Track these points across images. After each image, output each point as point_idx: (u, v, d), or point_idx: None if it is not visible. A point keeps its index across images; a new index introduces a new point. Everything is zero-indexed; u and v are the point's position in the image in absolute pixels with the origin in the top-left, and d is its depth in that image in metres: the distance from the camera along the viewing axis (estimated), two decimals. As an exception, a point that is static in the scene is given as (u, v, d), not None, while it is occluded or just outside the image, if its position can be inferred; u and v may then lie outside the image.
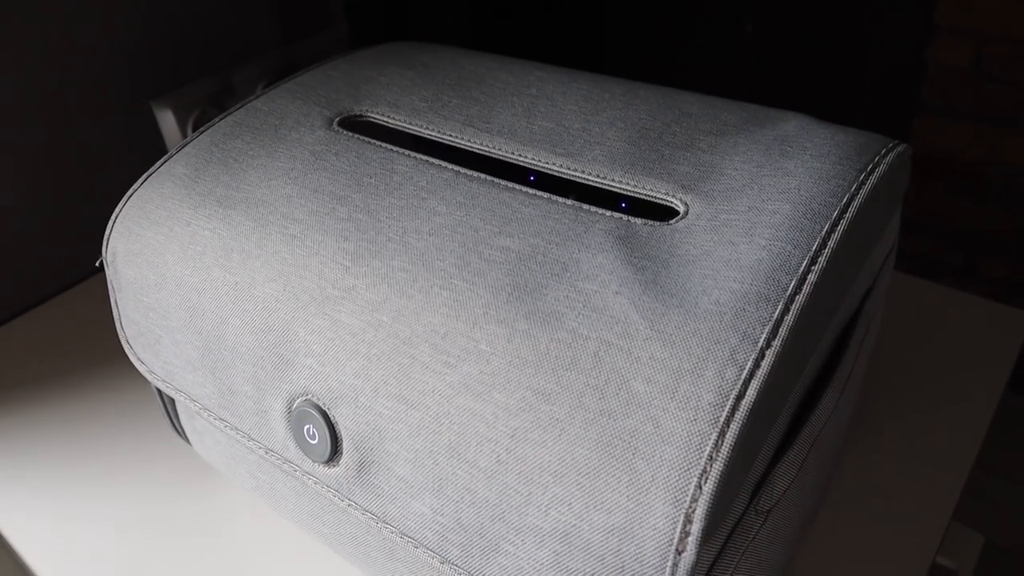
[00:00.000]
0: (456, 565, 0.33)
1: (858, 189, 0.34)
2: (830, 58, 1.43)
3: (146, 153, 0.77)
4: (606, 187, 0.37)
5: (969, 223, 1.45)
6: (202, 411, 0.42)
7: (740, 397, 0.27)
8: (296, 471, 0.38)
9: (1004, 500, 1.37)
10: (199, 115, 0.77)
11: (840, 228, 0.32)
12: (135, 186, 0.44)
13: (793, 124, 0.40)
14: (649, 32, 1.59)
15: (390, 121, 0.44)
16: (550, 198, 0.36)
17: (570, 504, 0.28)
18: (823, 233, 0.32)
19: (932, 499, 0.48)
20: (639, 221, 0.34)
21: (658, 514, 0.26)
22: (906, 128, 1.42)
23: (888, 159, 0.37)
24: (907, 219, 1.51)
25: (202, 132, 0.46)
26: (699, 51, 1.56)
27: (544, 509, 0.29)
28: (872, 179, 0.35)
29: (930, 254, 1.52)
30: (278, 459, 0.39)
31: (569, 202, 0.36)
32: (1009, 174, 1.37)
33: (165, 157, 0.45)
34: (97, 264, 0.45)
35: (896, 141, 0.39)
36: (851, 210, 0.33)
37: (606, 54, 1.67)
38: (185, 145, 0.45)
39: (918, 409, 0.54)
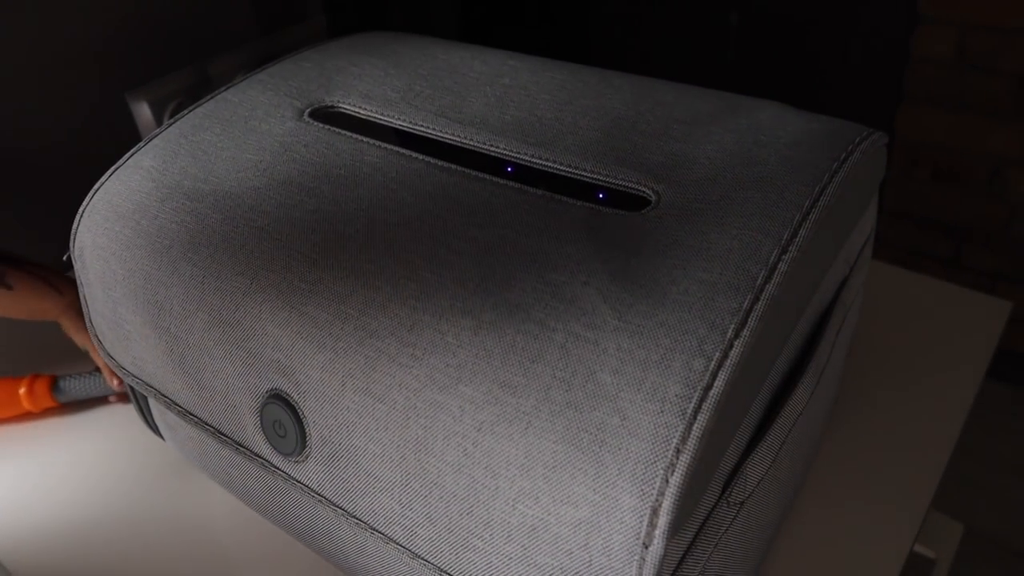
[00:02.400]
0: (426, 560, 0.33)
1: (831, 178, 0.34)
2: (814, 47, 1.43)
3: (121, 146, 0.76)
4: (578, 176, 0.36)
5: (953, 212, 1.45)
6: (173, 406, 0.41)
7: (708, 388, 0.26)
8: (267, 466, 0.38)
9: (985, 487, 1.37)
10: (175, 107, 0.76)
11: (812, 217, 0.32)
12: (102, 179, 0.43)
13: (767, 113, 0.40)
14: (634, 22, 1.59)
15: (362, 112, 0.44)
16: (520, 188, 0.36)
17: (537, 498, 0.28)
18: (795, 222, 0.32)
19: (910, 488, 0.47)
20: (609, 211, 0.34)
21: (625, 507, 0.26)
22: (890, 117, 1.42)
23: (863, 147, 0.37)
24: (891, 208, 1.51)
25: (171, 124, 0.45)
26: (684, 41, 1.56)
27: (511, 503, 0.28)
28: (846, 168, 0.35)
29: (914, 243, 1.52)
30: (249, 454, 0.38)
31: (539, 192, 0.35)
32: (993, 164, 1.37)
33: (133, 150, 0.44)
34: (65, 259, 0.45)
35: (871, 130, 0.39)
36: (824, 199, 0.33)
37: (590, 44, 1.66)
38: (153, 137, 0.44)
39: (896, 398, 0.53)
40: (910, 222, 1.51)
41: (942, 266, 1.52)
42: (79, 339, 0.56)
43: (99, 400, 0.59)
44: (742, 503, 0.33)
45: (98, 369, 0.57)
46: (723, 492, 0.32)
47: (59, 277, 0.55)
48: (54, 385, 0.57)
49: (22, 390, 0.57)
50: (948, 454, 0.49)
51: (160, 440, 0.56)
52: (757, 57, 1.49)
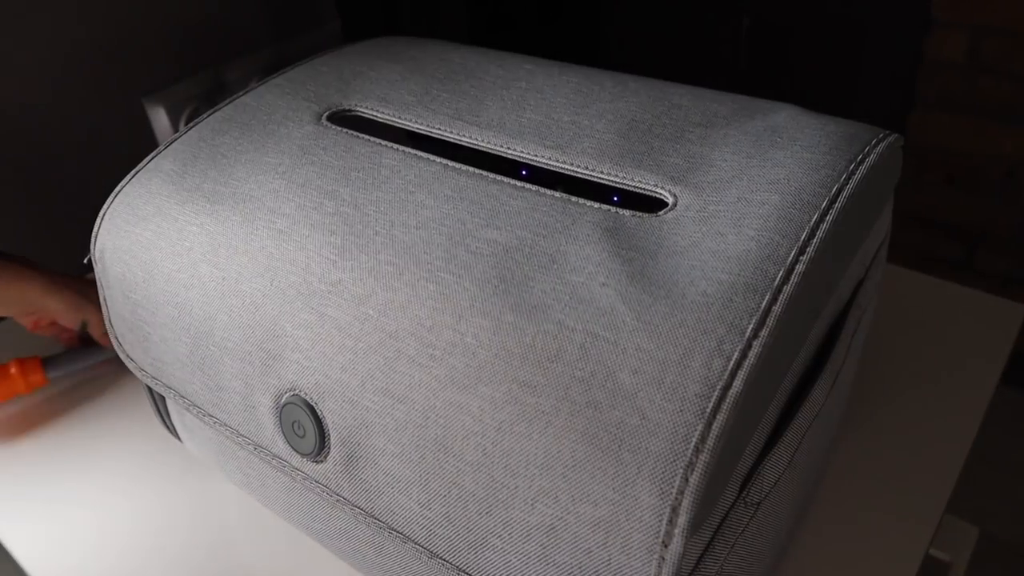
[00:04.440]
0: (444, 560, 0.33)
1: (848, 179, 0.34)
2: (827, 51, 1.43)
3: (139, 150, 0.77)
4: (595, 179, 0.37)
5: (966, 216, 1.45)
6: (191, 407, 0.42)
7: (727, 388, 0.27)
8: (285, 466, 0.38)
9: (999, 492, 1.37)
10: (192, 112, 0.77)
11: (829, 218, 0.32)
12: (123, 183, 0.44)
13: (783, 115, 0.40)
14: (646, 26, 1.59)
15: (379, 115, 0.44)
16: (538, 191, 0.36)
17: (556, 497, 0.28)
18: (812, 223, 0.32)
19: (926, 491, 0.47)
20: (627, 213, 0.34)
21: (644, 506, 0.26)
22: (902, 121, 1.42)
23: (879, 149, 0.37)
24: (903, 212, 1.51)
25: (190, 128, 0.45)
26: (696, 44, 1.56)
27: (531, 502, 0.29)
28: (862, 169, 0.35)
29: (926, 247, 1.52)
30: (267, 455, 0.39)
31: (557, 194, 0.35)
32: (1006, 167, 1.36)
33: (153, 153, 0.44)
34: (85, 261, 0.45)
35: (887, 132, 0.39)
36: (840, 200, 0.33)
37: (601, 49, 1.67)
38: (173, 141, 0.45)
39: (912, 401, 0.53)
40: (922, 226, 1.50)
41: (954, 270, 1.51)
42: (69, 319, 0.57)
43: (113, 402, 0.60)
44: (759, 504, 0.33)
45: (84, 343, 0.62)
46: (740, 493, 0.32)
47: (31, 268, 0.56)
48: (44, 362, 0.60)
49: (13, 370, 0.58)
50: (963, 457, 0.49)
51: (178, 442, 0.56)
52: (769, 62, 1.49)
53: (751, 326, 0.28)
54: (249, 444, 0.39)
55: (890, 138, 0.38)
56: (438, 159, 0.39)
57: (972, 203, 1.43)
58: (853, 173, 0.35)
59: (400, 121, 0.43)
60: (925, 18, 1.31)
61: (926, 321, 0.60)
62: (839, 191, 0.33)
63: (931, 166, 1.43)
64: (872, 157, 0.36)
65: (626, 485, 0.27)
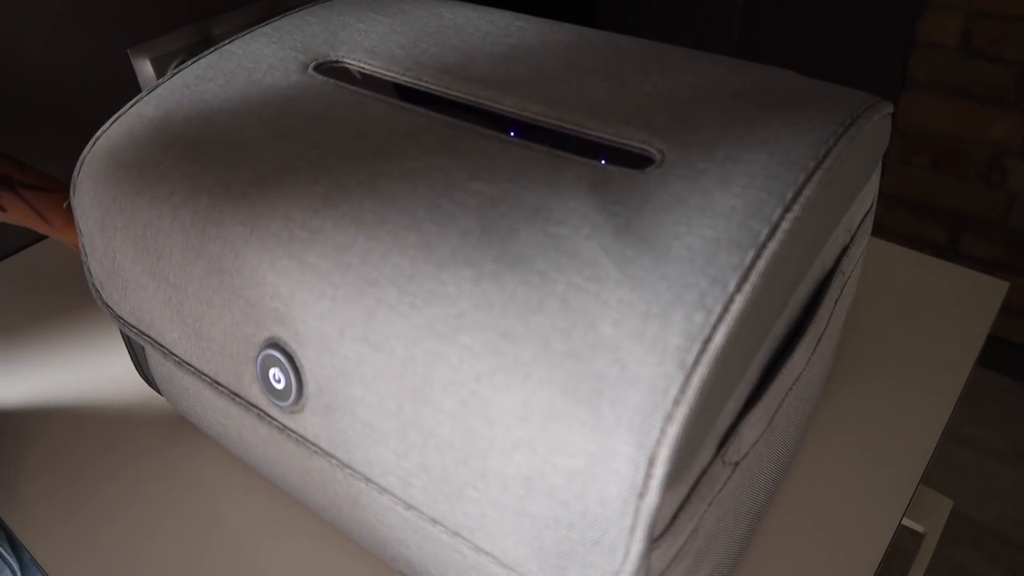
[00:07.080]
0: (420, 511, 0.33)
1: (837, 141, 0.34)
2: (818, 32, 1.42)
3: (123, 102, 0.76)
4: (582, 135, 0.36)
5: (952, 200, 1.45)
6: (170, 356, 0.41)
7: (708, 341, 0.26)
8: (263, 416, 0.38)
9: (974, 475, 1.38)
10: (178, 65, 0.76)
11: (816, 178, 0.32)
12: (103, 128, 0.43)
13: (774, 78, 0.40)
14: (638, 2, 1.58)
15: (366, 67, 0.43)
16: (524, 144, 0.35)
17: (534, 448, 0.28)
18: (799, 183, 0.31)
19: (902, 462, 0.48)
20: (614, 168, 0.34)
21: (622, 457, 0.26)
22: (892, 103, 1.42)
23: (868, 114, 0.37)
24: (890, 194, 1.51)
25: (173, 75, 0.45)
26: (688, 21, 1.55)
27: (508, 453, 0.28)
28: (851, 132, 0.35)
29: (911, 230, 1.52)
30: (244, 404, 0.38)
31: (543, 148, 0.35)
32: (993, 152, 1.37)
33: (135, 99, 0.44)
34: (65, 207, 0.44)
35: (877, 98, 0.38)
36: (829, 161, 0.33)
37: (594, 21, 1.65)
38: (156, 87, 0.44)
39: (892, 373, 0.54)
40: (908, 208, 1.51)
41: (938, 253, 1.52)
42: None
43: (93, 352, 0.59)
44: (737, 463, 0.33)
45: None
46: (719, 451, 0.32)
47: (49, 207, 0.56)
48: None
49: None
50: (940, 430, 0.49)
51: (157, 395, 0.56)
52: (762, 38, 1.48)
53: (734, 281, 0.28)
54: (227, 393, 0.39)
55: (880, 104, 0.38)
56: (424, 111, 0.39)
57: (958, 187, 1.43)
58: (842, 135, 0.34)
59: (388, 73, 0.42)
60: (918, 1, 1.31)
61: (908, 295, 0.60)
62: (827, 152, 0.33)
63: (919, 149, 1.43)
64: (861, 120, 0.36)
65: (604, 436, 0.26)
